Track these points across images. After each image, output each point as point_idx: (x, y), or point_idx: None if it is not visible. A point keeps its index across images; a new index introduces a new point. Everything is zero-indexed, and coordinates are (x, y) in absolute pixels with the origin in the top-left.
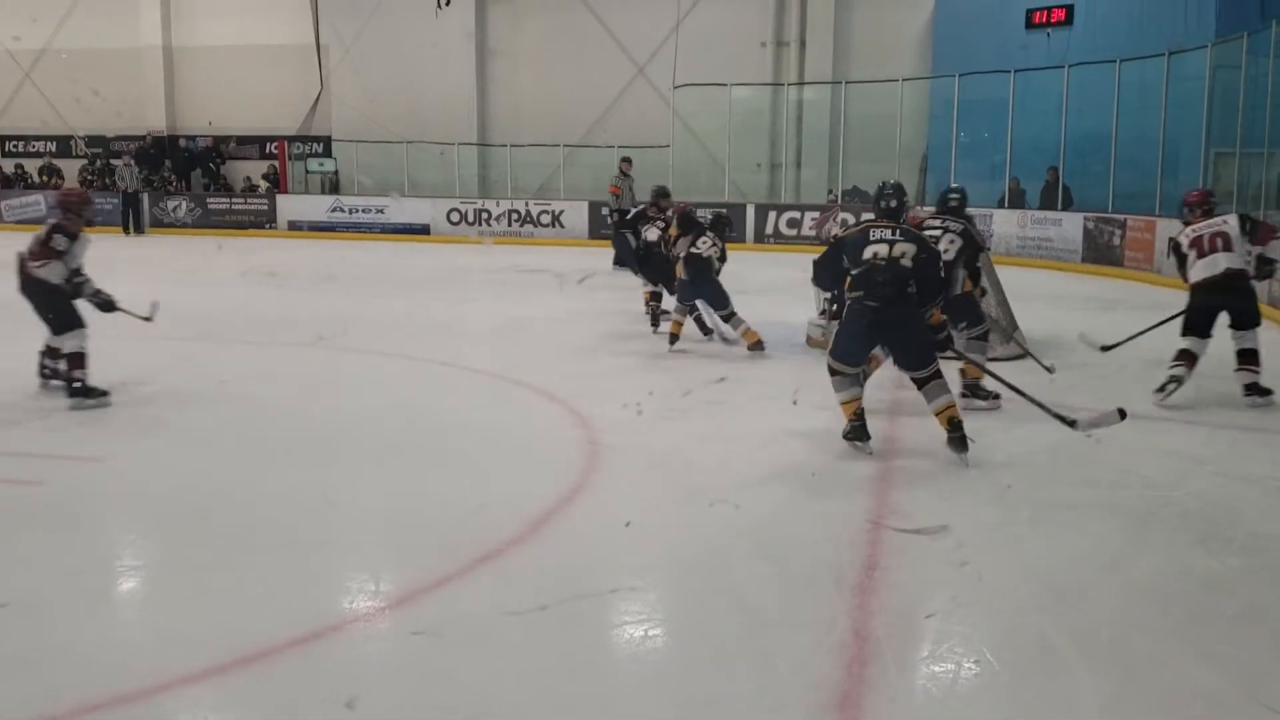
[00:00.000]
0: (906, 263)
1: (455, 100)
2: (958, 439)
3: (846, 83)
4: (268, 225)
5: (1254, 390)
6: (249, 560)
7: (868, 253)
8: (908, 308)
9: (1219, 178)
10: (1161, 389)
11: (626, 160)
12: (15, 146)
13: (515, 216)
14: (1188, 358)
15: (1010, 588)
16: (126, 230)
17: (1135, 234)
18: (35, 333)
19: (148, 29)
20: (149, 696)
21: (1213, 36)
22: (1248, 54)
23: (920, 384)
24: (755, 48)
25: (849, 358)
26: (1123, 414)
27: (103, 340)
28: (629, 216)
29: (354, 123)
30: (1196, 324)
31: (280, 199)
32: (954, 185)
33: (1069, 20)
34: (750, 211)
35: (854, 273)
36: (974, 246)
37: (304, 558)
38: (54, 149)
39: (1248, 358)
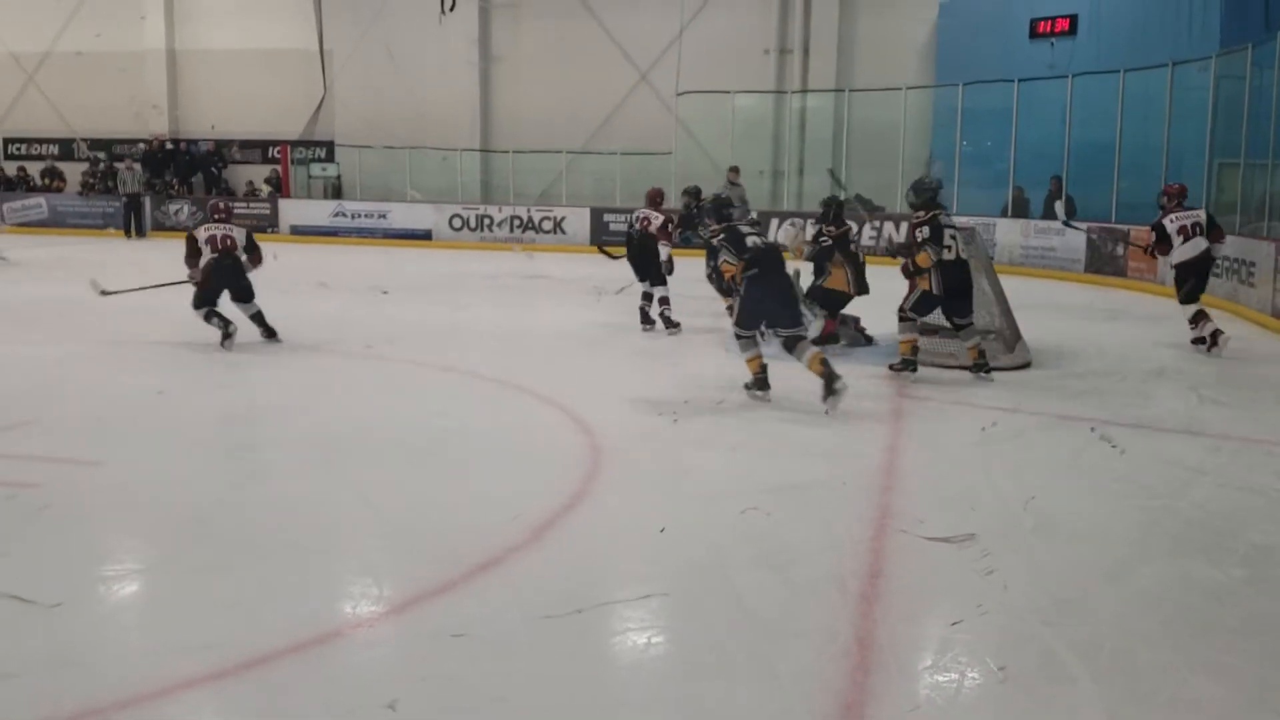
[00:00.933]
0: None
1: (458, 106)
2: (829, 373)
3: (850, 91)
4: (270, 229)
5: (1203, 342)
6: (249, 565)
7: (749, 241)
8: (788, 277)
9: (1223, 189)
10: (1215, 343)
11: (734, 170)
12: (18, 149)
13: (517, 222)
14: (1204, 315)
15: (1014, 597)
16: (128, 233)
17: (1138, 244)
18: (26, 335)
19: (151, 33)
20: (150, 701)
21: (1217, 47)
22: (1252, 65)
23: (794, 342)
24: (758, 55)
25: (751, 324)
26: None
27: (106, 345)
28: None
29: (357, 128)
30: (1195, 290)
31: (283, 203)
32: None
33: (1073, 30)
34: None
35: (747, 257)
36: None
37: (304, 563)
38: (56, 152)
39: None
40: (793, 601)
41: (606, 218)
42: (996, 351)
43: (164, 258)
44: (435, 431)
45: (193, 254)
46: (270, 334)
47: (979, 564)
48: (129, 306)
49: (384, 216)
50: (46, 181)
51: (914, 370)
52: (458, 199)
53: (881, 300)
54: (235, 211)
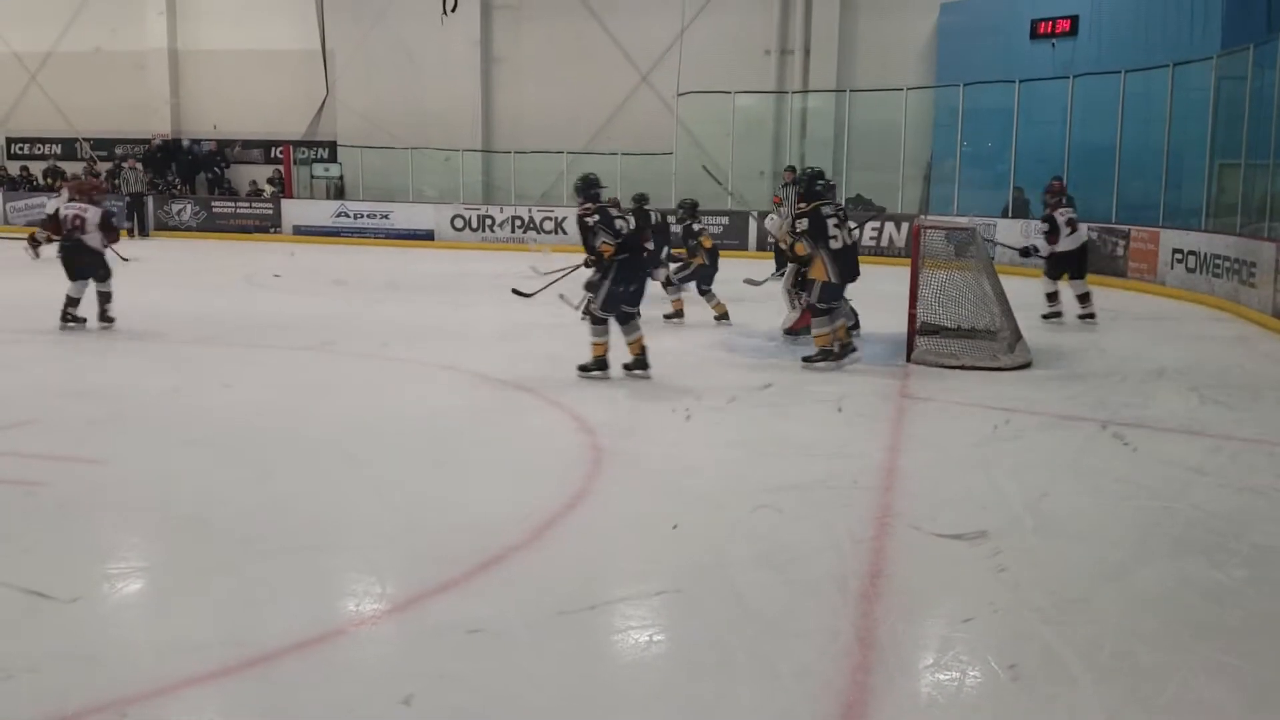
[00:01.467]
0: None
1: (459, 107)
2: (642, 360)
3: (850, 91)
4: (273, 229)
5: (1091, 317)
6: (252, 564)
7: (618, 224)
8: (646, 260)
9: (1223, 189)
10: (1054, 315)
11: (791, 169)
12: (21, 149)
13: (518, 223)
14: (1058, 297)
15: (1015, 596)
16: (131, 234)
17: (1139, 245)
18: (29, 333)
19: (154, 33)
20: (154, 699)
21: (1218, 48)
22: (1254, 66)
23: (631, 318)
24: (759, 56)
25: (612, 308)
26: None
27: (110, 343)
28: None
29: (359, 128)
30: (1063, 273)
31: (285, 203)
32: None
33: (1074, 31)
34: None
35: (619, 241)
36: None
37: (306, 562)
38: (59, 151)
39: (1087, 299)
40: (794, 601)
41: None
42: (997, 352)
43: (164, 256)
44: (437, 431)
45: (50, 224)
46: (104, 318)
47: (980, 564)
48: (132, 306)
49: (386, 217)
50: (49, 181)
51: (833, 359)
52: (459, 199)
53: (869, 295)
54: (106, 193)
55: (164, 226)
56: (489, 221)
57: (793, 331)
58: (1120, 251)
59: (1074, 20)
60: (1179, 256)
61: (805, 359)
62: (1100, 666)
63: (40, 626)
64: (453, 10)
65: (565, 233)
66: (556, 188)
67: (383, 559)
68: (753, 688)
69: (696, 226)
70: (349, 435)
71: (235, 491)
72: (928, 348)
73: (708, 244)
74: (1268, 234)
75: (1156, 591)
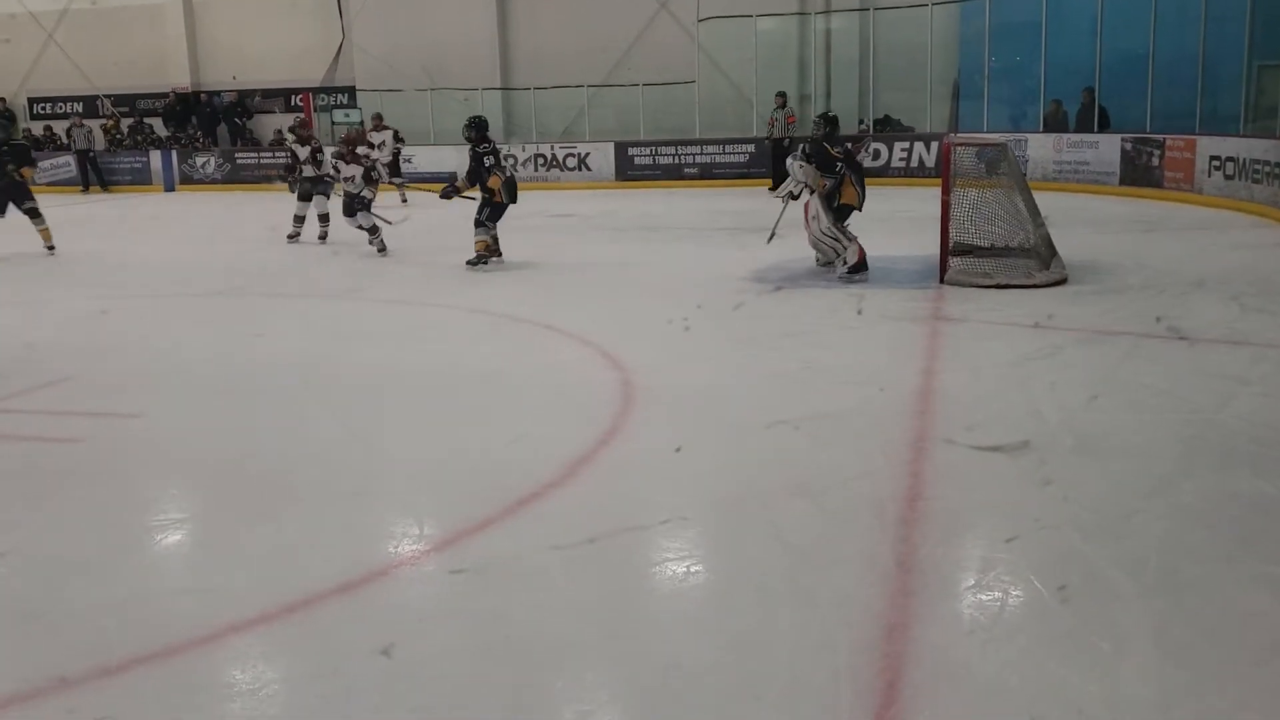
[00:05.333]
0: None
1: (476, 45)
2: None
3: (875, 10)
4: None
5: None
6: (290, 510)
7: None
8: None
9: (1263, 91)
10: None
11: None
12: (43, 109)
13: (541, 161)
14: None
15: (1056, 515)
16: (85, 188)
17: (1174, 154)
18: (61, 291)
19: None
20: (197, 647)
21: None
22: None
23: None
24: None
25: None
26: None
27: (140, 299)
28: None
29: (377, 72)
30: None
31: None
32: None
33: None
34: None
35: None
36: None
37: (344, 506)
38: (80, 110)
39: None
40: (831, 528)
41: (631, 151)
42: (1032, 269)
43: (190, 210)
44: (468, 373)
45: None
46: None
47: (1019, 482)
48: (161, 262)
49: (409, 160)
50: (72, 140)
51: (485, 263)
52: None
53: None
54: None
55: (189, 180)
56: (511, 160)
57: (855, 270)
58: (1155, 162)
59: None
60: (1216, 164)
61: (468, 261)
62: (1145, 582)
63: (83, 578)
64: None
65: (589, 169)
66: (578, 123)
67: (419, 501)
68: (791, 616)
69: (489, 160)
70: (381, 380)
71: (270, 440)
72: (961, 268)
73: (496, 183)
74: None
75: (1201, 505)
